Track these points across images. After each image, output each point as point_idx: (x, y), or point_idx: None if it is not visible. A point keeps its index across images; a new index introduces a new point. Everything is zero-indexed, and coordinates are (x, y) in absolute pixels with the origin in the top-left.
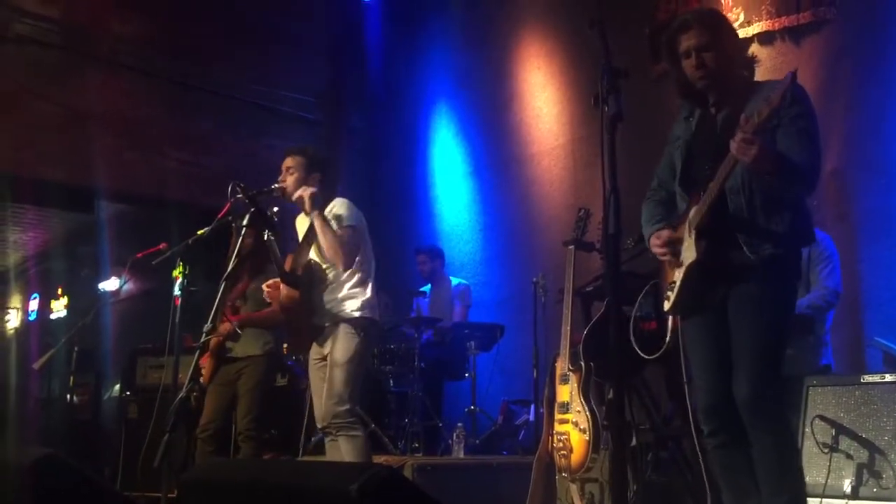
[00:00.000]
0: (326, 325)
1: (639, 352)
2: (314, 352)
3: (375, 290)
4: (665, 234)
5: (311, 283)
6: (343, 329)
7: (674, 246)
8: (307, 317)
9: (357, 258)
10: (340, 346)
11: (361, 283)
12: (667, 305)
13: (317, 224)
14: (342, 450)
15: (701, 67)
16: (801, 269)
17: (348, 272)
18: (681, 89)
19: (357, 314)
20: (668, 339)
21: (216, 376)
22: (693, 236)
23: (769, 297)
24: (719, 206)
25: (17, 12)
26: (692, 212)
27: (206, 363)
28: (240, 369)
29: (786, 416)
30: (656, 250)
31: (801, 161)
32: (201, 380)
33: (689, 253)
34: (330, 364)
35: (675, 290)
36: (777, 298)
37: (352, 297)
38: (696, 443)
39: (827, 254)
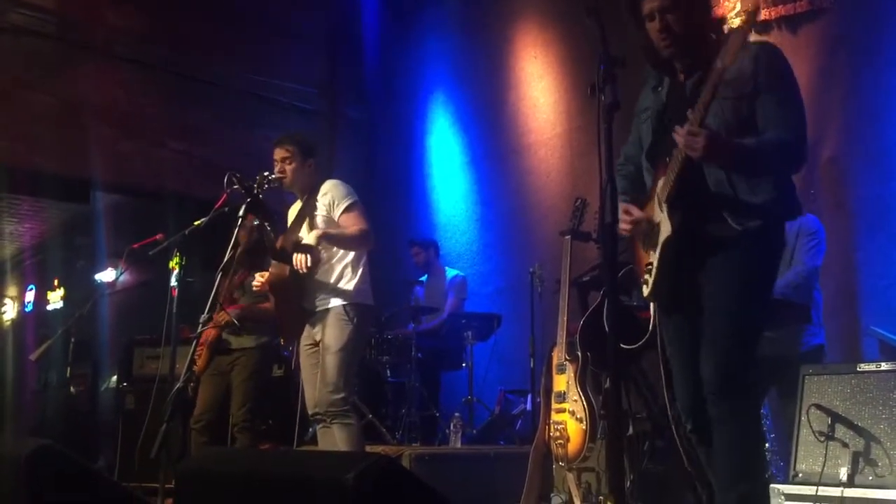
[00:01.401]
0: (318, 309)
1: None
2: (305, 337)
3: (369, 274)
4: (635, 210)
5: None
6: (334, 315)
7: (644, 226)
8: (297, 299)
9: None
10: (332, 333)
11: (354, 265)
12: (645, 291)
13: (327, 242)
14: (336, 437)
15: (665, 31)
16: (786, 245)
17: (340, 254)
18: (648, 57)
19: (350, 300)
20: (650, 327)
21: (210, 366)
22: (666, 210)
23: (749, 273)
24: (692, 176)
25: (13, 2)
26: (659, 184)
27: (200, 353)
28: (234, 360)
29: (754, 403)
30: (623, 226)
31: (778, 137)
32: (195, 369)
33: (664, 227)
34: (322, 352)
35: (653, 272)
36: (758, 275)
37: (344, 281)
38: (675, 435)
39: (813, 230)
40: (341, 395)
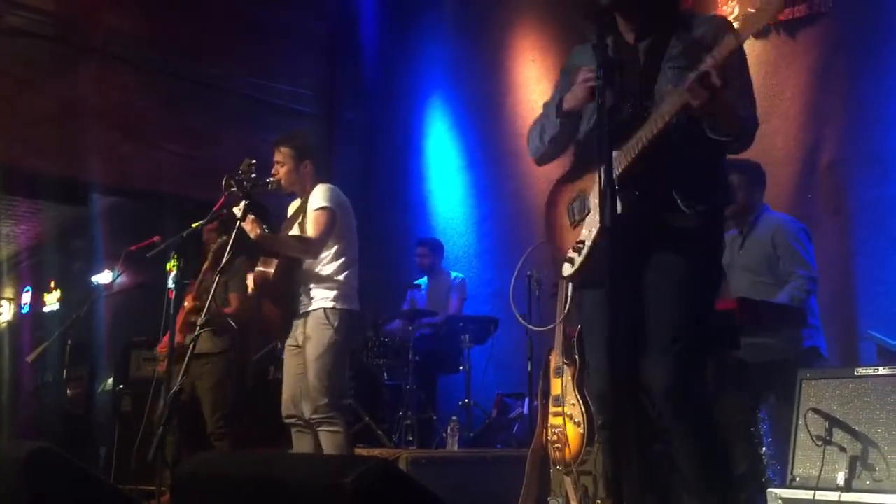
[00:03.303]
0: (301, 311)
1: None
2: (290, 338)
3: (356, 280)
4: (586, 71)
5: (293, 266)
6: (315, 318)
7: (577, 200)
8: (284, 300)
9: (336, 246)
10: (313, 338)
11: (340, 271)
12: (568, 270)
13: (274, 248)
14: (323, 445)
15: None
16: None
17: (328, 257)
18: (586, 8)
19: (331, 304)
20: (566, 307)
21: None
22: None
23: (697, 269)
24: (653, 153)
25: (11, 4)
26: (618, 161)
27: (163, 351)
28: (200, 367)
29: (711, 409)
30: (587, 76)
31: (745, 115)
32: (158, 368)
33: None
34: (305, 357)
35: (584, 252)
36: (706, 270)
37: (327, 286)
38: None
39: (804, 232)
40: (324, 401)
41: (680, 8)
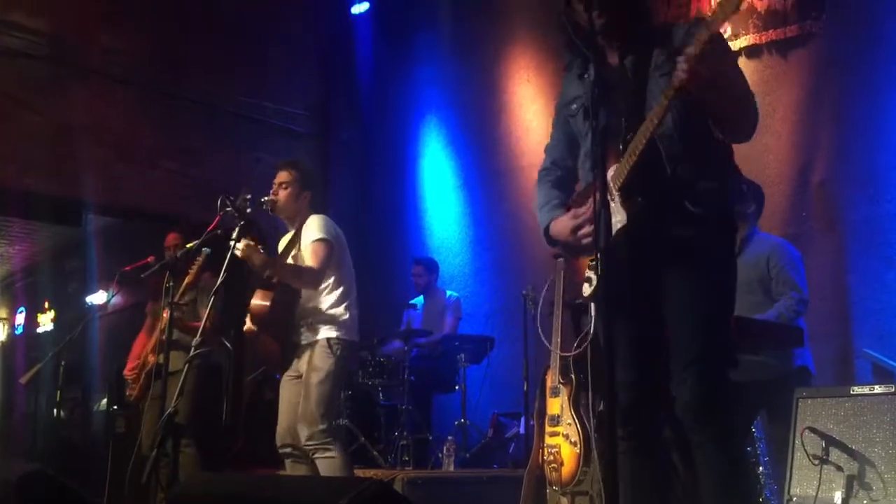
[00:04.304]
0: (303, 342)
1: (550, 346)
2: (290, 368)
3: (356, 309)
4: (582, 210)
5: (290, 299)
6: (319, 347)
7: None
8: (282, 332)
9: (333, 276)
10: (315, 365)
11: (339, 302)
12: (587, 290)
13: (274, 272)
14: (320, 471)
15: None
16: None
17: (327, 288)
18: (572, 37)
19: (335, 334)
20: (590, 329)
21: (149, 392)
22: (618, 199)
23: (716, 279)
24: (651, 159)
25: (6, 26)
26: (612, 171)
27: (130, 375)
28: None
29: (737, 423)
30: (581, 234)
31: (744, 88)
32: (131, 397)
33: (617, 217)
34: (304, 383)
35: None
36: (725, 280)
37: (329, 316)
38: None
39: (786, 259)
40: (321, 426)
41: (656, 21)
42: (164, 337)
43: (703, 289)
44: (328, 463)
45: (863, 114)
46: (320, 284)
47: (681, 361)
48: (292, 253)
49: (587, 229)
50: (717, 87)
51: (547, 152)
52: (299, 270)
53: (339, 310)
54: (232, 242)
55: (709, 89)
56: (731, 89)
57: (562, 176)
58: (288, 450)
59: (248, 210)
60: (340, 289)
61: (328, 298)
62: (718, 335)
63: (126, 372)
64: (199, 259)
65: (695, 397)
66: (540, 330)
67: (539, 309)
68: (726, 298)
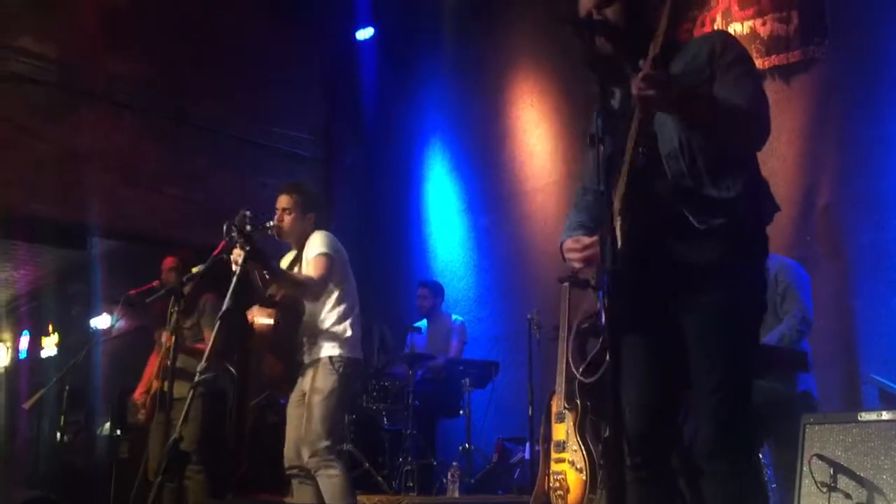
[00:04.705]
0: (306, 361)
1: (580, 377)
2: (295, 388)
3: (358, 326)
4: (584, 238)
5: (293, 317)
6: (322, 366)
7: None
8: (285, 352)
9: (336, 292)
10: (318, 382)
11: (341, 319)
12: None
13: (275, 281)
14: (322, 490)
15: (604, 26)
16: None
17: (328, 305)
18: (592, 67)
19: (337, 352)
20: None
21: (155, 418)
22: (619, 223)
23: (736, 301)
24: (644, 181)
25: (14, 51)
26: (615, 197)
27: (139, 399)
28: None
29: (756, 457)
30: (571, 255)
31: (733, 104)
32: (140, 416)
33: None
34: (307, 402)
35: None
36: (746, 301)
37: (331, 334)
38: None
39: (793, 278)
40: (325, 443)
41: (676, 37)
42: (167, 362)
43: (722, 313)
44: (331, 482)
45: (867, 138)
46: (320, 296)
47: (701, 392)
48: (294, 269)
49: (574, 256)
50: (673, 105)
51: (581, 178)
52: (299, 279)
53: (342, 327)
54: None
55: (664, 107)
56: (694, 105)
57: (591, 200)
58: (295, 471)
59: (248, 227)
60: (343, 306)
61: (330, 316)
62: (740, 362)
63: (135, 396)
64: (190, 276)
65: (712, 430)
66: (570, 357)
67: (560, 333)
68: (748, 321)
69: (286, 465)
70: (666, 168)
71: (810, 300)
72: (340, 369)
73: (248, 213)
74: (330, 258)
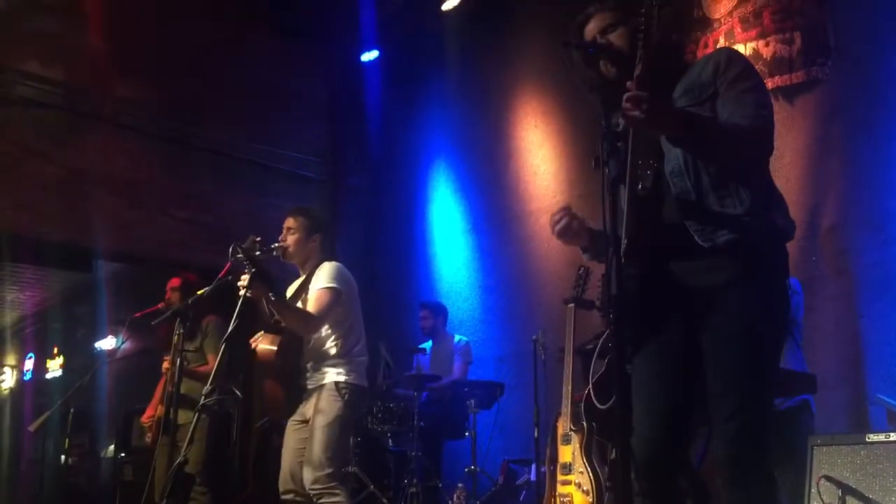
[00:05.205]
0: (310, 386)
1: (597, 404)
2: (296, 413)
3: (365, 355)
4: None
5: (296, 343)
6: (325, 391)
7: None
8: (289, 377)
9: (346, 322)
10: (322, 408)
11: (350, 347)
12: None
13: (276, 309)
14: None
15: (610, 53)
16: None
17: (336, 334)
18: (602, 94)
19: (342, 378)
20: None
21: (160, 440)
22: (624, 246)
23: (752, 320)
24: (649, 202)
25: (21, 74)
26: (619, 219)
27: (147, 421)
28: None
29: (775, 486)
30: (552, 222)
31: (733, 123)
32: (147, 439)
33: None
34: (311, 427)
35: None
36: (762, 319)
37: (337, 361)
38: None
39: (795, 290)
40: (326, 471)
41: (681, 59)
42: (170, 388)
43: (736, 333)
44: None
45: (870, 158)
46: (316, 332)
47: (718, 415)
48: (301, 297)
49: (560, 222)
50: (661, 126)
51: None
52: (298, 313)
53: (348, 355)
54: (240, 284)
55: (652, 128)
56: (689, 126)
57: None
58: (290, 496)
59: (257, 253)
60: (351, 335)
61: (338, 343)
62: (757, 386)
63: (143, 419)
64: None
65: (730, 452)
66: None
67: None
68: (764, 343)
69: (281, 489)
70: (671, 186)
71: (801, 310)
72: (346, 396)
73: (258, 238)
74: (335, 292)
